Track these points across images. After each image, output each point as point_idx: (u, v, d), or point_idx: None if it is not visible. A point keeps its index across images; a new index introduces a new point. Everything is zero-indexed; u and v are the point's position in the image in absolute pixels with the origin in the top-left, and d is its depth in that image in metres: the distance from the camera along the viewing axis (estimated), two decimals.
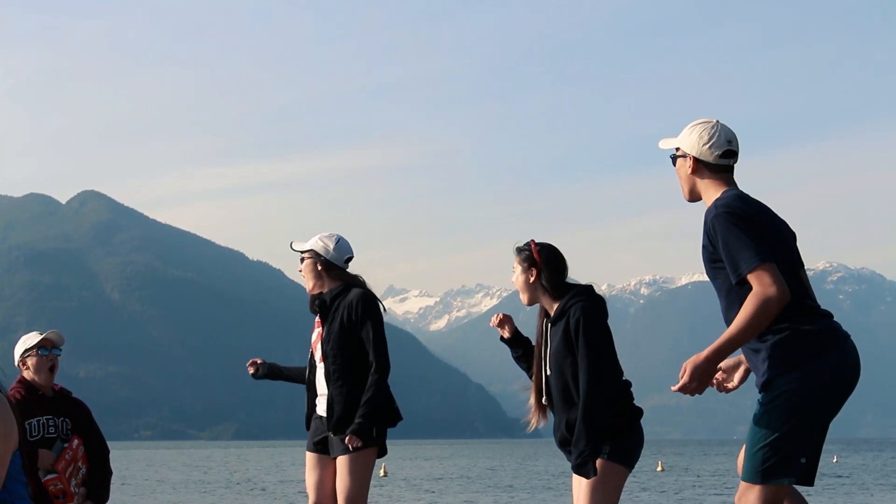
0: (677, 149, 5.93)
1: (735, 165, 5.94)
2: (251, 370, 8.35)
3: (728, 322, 5.68)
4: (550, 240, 6.74)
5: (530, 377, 6.85)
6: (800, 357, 5.56)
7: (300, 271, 7.90)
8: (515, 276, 6.74)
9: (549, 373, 6.63)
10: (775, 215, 5.81)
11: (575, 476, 6.65)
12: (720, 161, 5.83)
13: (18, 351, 7.91)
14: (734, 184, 5.90)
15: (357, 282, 7.81)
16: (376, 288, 8.03)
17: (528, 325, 6.95)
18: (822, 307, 5.69)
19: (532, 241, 6.80)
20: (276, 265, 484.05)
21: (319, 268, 7.81)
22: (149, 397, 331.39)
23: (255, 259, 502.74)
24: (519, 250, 6.76)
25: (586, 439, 6.33)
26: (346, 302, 7.67)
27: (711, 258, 5.75)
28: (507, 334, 6.96)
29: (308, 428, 7.96)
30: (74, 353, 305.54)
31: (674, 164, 5.96)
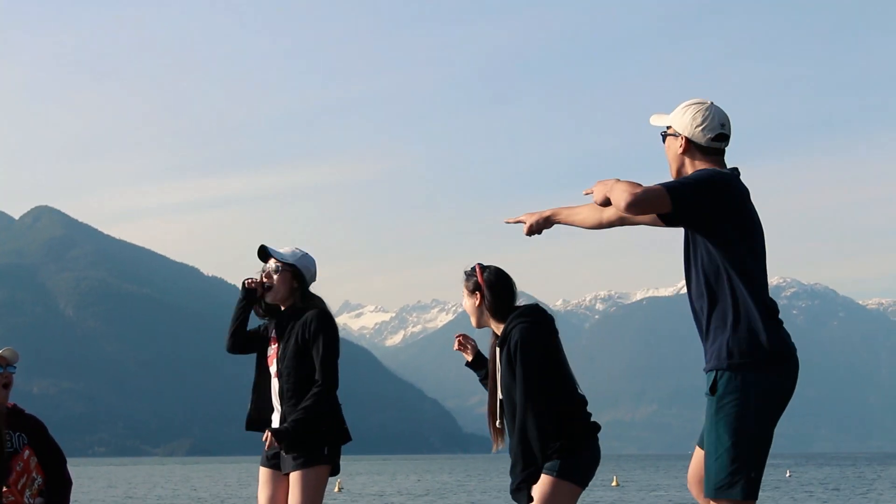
0: (668, 127, 5.82)
1: (726, 149, 5.86)
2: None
3: (696, 310, 5.71)
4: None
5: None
6: (753, 360, 5.55)
7: (267, 277, 7.70)
8: (463, 300, 6.75)
9: (501, 396, 6.62)
10: (751, 206, 5.73)
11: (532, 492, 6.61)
12: (712, 144, 5.74)
13: None
14: (724, 167, 5.82)
15: (319, 303, 7.71)
16: (332, 303, 7.98)
17: (483, 340, 6.95)
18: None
19: (477, 264, 6.77)
20: (231, 280, 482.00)
21: (295, 284, 7.69)
22: (103, 413, 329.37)
23: (210, 274, 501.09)
24: (466, 275, 6.74)
25: (521, 465, 6.35)
26: (301, 320, 7.60)
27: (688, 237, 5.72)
28: (469, 357, 6.95)
29: (249, 428, 7.91)
30: (28, 370, 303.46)
31: (663, 141, 5.85)
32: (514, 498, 6.41)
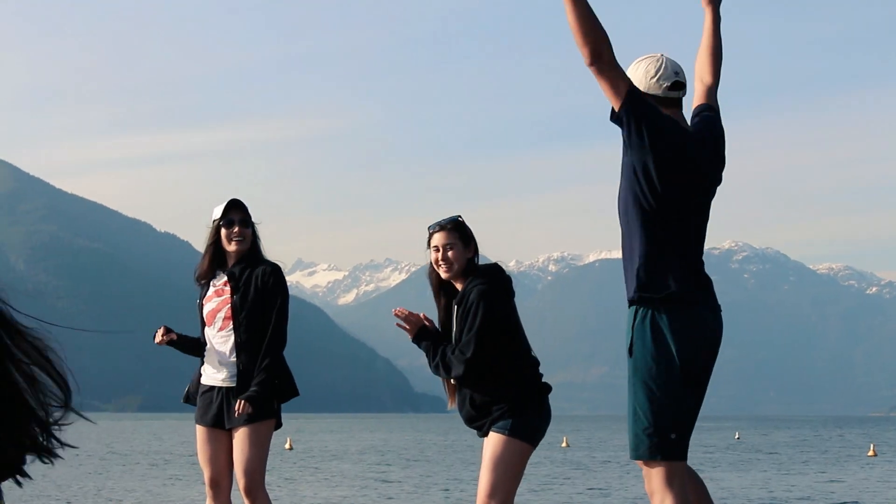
0: None
1: (683, 99, 5.86)
2: (162, 338, 7.88)
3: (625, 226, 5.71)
4: (461, 215, 6.83)
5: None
6: (661, 300, 5.54)
7: (237, 235, 7.73)
8: (453, 251, 6.62)
9: None
10: (692, 142, 5.72)
11: (483, 451, 6.70)
12: (669, 93, 5.76)
13: None
14: (685, 119, 5.86)
15: (262, 255, 7.84)
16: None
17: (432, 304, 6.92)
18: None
19: (459, 216, 6.77)
20: (183, 237, 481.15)
21: (254, 239, 7.82)
22: None
23: (163, 231, 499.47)
24: (459, 223, 6.71)
25: (433, 358, 6.56)
26: (256, 273, 7.68)
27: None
28: (411, 335, 6.82)
29: (188, 401, 7.94)
30: None
31: None
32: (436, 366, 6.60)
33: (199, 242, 8.00)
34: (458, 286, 6.68)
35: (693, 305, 5.60)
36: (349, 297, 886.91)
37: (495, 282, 6.60)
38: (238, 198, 7.86)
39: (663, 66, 5.80)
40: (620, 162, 5.75)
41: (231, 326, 7.67)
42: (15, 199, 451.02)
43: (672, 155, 5.61)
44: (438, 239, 6.68)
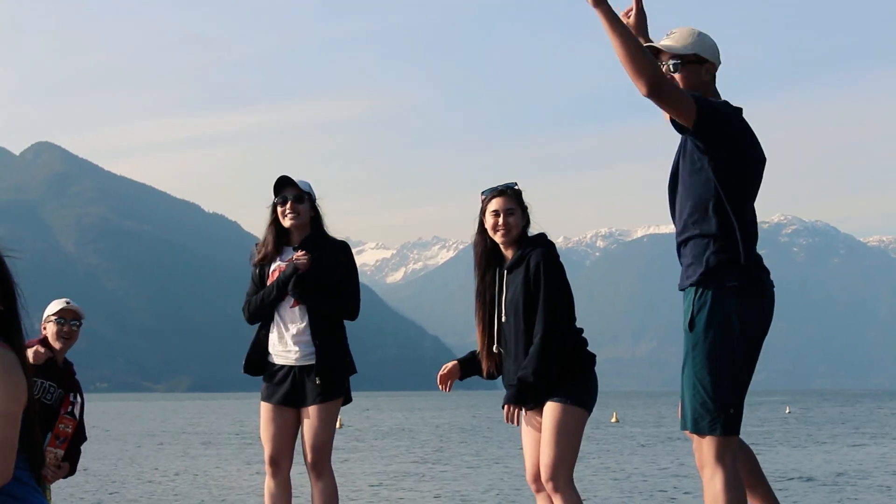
0: (694, 55, 5.79)
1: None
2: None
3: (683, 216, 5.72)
4: (517, 182, 6.85)
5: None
6: (725, 281, 5.57)
7: (291, 210, 7.70)
8: (511, 217, 6.68)
9: (503, 319, 6.69)
10: (752, 132, 5.76)
11: (528, 425, 6.76)
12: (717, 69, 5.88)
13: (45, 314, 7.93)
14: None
15: (329, 234, 7.82)
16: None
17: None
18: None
19: (516, 183, 6.83)
20: (232, 217, 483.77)
21: (313, 213, 7.76)
22: (104, 350, 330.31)
23: (211, 211, 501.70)
24: (516, 191, 6.76)
25: (534, 368, 6.44)
26: (329, 249, 7.69)
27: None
28: (455, 380, 7.04)
29: (251, 372, 7.89)
30: (28, 306, 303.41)
31: (674, 69, 5.79)
32: (516, 398, 6.50)
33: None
34: (508, 254, 6.72)
35: (754, 285, 5.61)
36: (397, 276, 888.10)
37: (551, 245, 6.68)
38: (288, 174, 7.79)
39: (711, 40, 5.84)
40: (680, 149, 5.75)
41: (303, 305, 7.65)
42: (64, 181, 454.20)
43: (754, 149, 5.69)
44: (498, 203, 6.70)
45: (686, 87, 5.72)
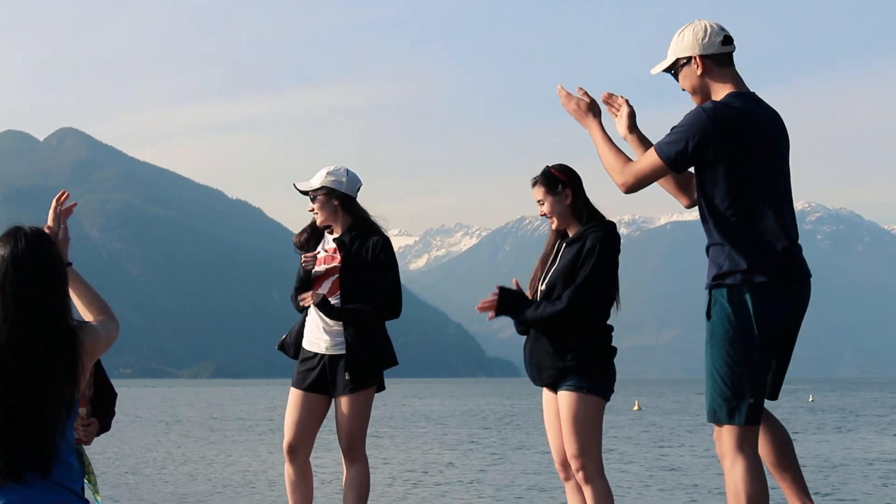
0: (677, 60, 5.74)
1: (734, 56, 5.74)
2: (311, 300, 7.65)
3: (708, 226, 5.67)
4: (529, 180, 6.86)
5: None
6: (742, 275, 5.55)
7: (312, 211, 7.79)
8: (546, 206, 6.74)
9: (542, 288, 6.72)
10: (765, 123, 5.67)
11: (549, 412, 6.79)
12: (723, 49, 5.66)
13: None
14: (741, 82, 5.74)
15: (371, 222, 7.81)
16: None
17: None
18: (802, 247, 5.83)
19: (548, 167, 6.84)
20: (255, 203, 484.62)
21: (336, 202, 7.75)
22: (127, 336, 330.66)
23: (235, 197, 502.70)
24: (546, 178, 6.78)
25: (535, 319, 6.60)
26: (367, 244, 7.66)
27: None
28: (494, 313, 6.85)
29: (282, 349, 7.95)
30: None
31: (677, 78, 5.78)
32: (506, 312, 6.64)
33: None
34: (571, 232, 6.76)
35: (774, 277, 5.60)
36: (420, 262, 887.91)
37: (613, 233, 6.69)
38: (294, 182, 7.87)
39: (707, 26, 5.70)
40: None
41: (339, 294, 7.66)
42: (89, 167, 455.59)
43: (760, 147, 5.59)
44: (533, 195, 6.84)
45: (691, 91, 5.73)
